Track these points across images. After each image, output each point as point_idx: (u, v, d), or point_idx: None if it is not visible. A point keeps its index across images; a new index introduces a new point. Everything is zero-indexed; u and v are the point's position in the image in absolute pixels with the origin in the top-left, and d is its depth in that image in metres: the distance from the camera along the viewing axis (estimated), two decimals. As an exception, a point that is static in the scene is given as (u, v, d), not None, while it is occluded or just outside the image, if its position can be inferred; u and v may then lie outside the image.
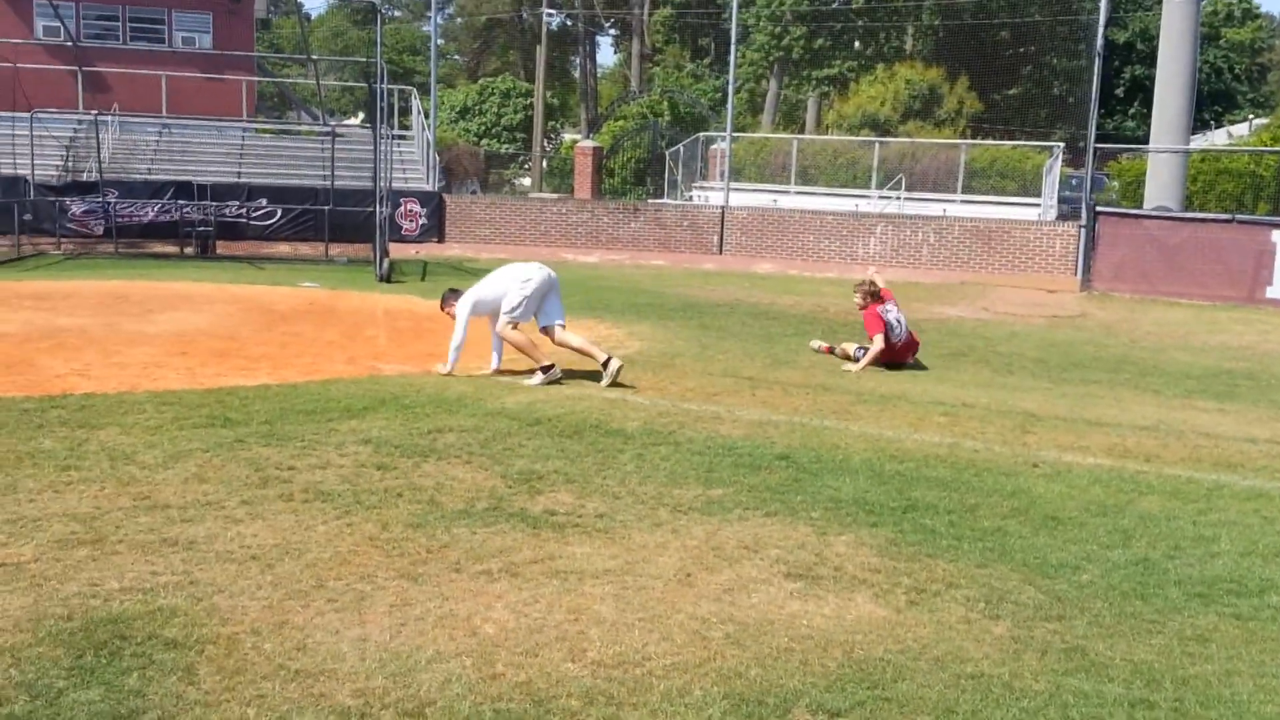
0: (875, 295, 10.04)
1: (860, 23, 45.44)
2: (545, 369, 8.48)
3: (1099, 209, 18.65)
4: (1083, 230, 18.93)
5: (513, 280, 8.69)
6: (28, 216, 19.31)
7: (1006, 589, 4.45)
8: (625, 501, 5.48)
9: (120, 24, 28.50)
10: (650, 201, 26.04)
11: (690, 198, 26.97)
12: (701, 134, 29.00)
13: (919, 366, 9.94)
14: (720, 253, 21.87)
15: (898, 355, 9.83)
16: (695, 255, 21.77)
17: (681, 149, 27.93)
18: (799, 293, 16.40)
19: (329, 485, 5.51)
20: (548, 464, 6.12)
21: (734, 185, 23.76)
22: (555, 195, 31.08)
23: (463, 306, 8.64)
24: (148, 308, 11.64)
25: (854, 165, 25.52)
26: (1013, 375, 9.87)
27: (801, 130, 40.57)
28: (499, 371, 8.77)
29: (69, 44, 24.32)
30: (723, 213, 22.16)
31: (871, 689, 3.52)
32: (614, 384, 8.35)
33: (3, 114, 20.55)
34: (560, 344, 8.83)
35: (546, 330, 8.86)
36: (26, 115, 19.78)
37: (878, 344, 9.67)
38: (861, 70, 43.50)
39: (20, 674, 3.34)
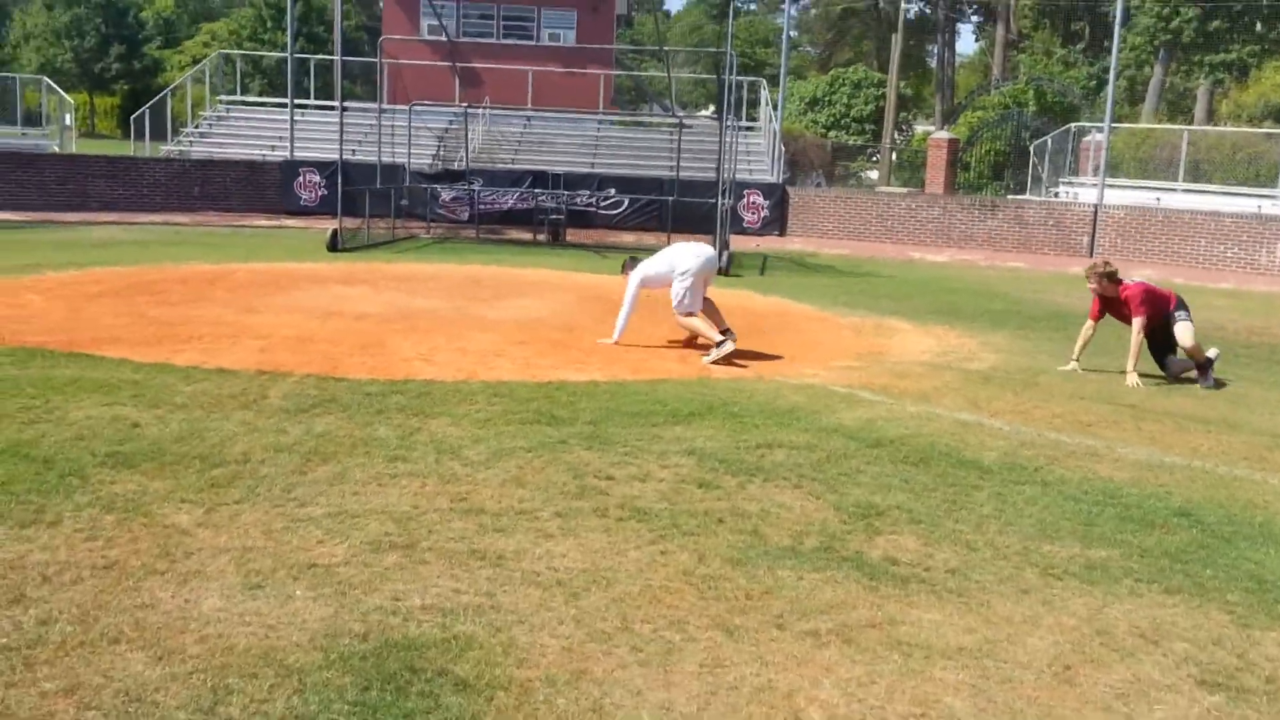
0: (1113, 278, 8.86)
1: (1264, 1, 40.25)
2: (720, 344, 8.67)
3: None
4: None
5: (674, 269, 8.94)
6: (404, 201, 20.74)
7: None
8: (983, 555, 4.65)
9: (495, 22, 30.19)
10: (1010, 198, 24.19)
11: (1056, 194, 24.82)
12: (1073, 124, 26.61)
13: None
14: (1090, 255, 19.86)
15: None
16: (1060, 257, 19.91)
17: (1049, 141, 25.77)
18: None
19: (646, 501, 5.07)
20: (888, 497, 5.38)
21: (1110, 181, 21.52)
22: (904, 189, 29.74)
23: (632, 281, 9.07)
24: (497, 293, 11.91)
25: (1256, 161, 22.40)
26: None
27: (1190, 122, 36.50)
28: (617, 344, 8.98)
29: (445, 41, 25.95)
30: (1095, 211, 20.13)
31: None
32: (717, 361, 8.49)
33: (386, 106, 22.21)
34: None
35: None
36: (406, 108, 21.23)
37: (1137, 329, 8.69)
38: (1264, 55, 38.52)
39: (303, 704, 3.08)
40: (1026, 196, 25.18)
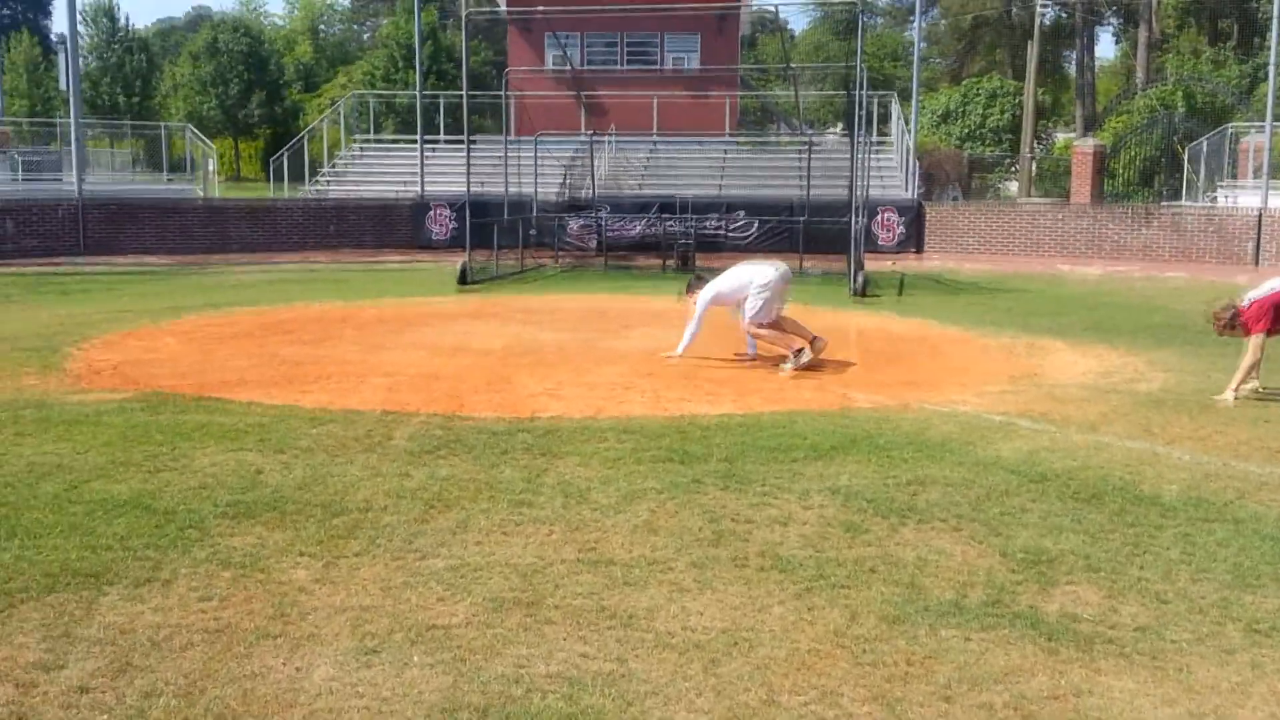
0: (1233, 324, 8.06)
1: None
2: (797, 352, 8.82)
3: None
4: None
5: (751, 284, 8.91)
6: (532, 232, 20.78)
7: None
8: (1175, 609, 4.08)
9: (618, 49, 30.25)
10: (1165, 205, 22.86)
11: (1214, 199, 23.37)
12: (1229, 125, 25.07)
13: None
14: (1257, 264, 18.57)
15: None
16: (1224, 267, 18.65)
17: (1205, 144, 24.31)
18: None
19: (789, 549, 4.65)
20: (1060, 541, 4.83)
21: (1273, 184, 20.09)
22: (1047, 201, 28.49)
23: (703, 298, 9.06)
24: (624, 323, 11.65)
25: None
26: None
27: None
28: (680, 357, 9.05)
29: (569, 71, 26.05)
30: (1260, 216, 18.78)
31: None
32: (800, 368, 8.62)
33: (513, 139, 22.36)
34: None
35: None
36: (531, 139, 21.31)
37: (1255, 345, 7.86)
38: None
39: (414, 795, 2.78)
40: (1182, 203, 23.78)
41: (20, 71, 54.05)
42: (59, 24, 72.64)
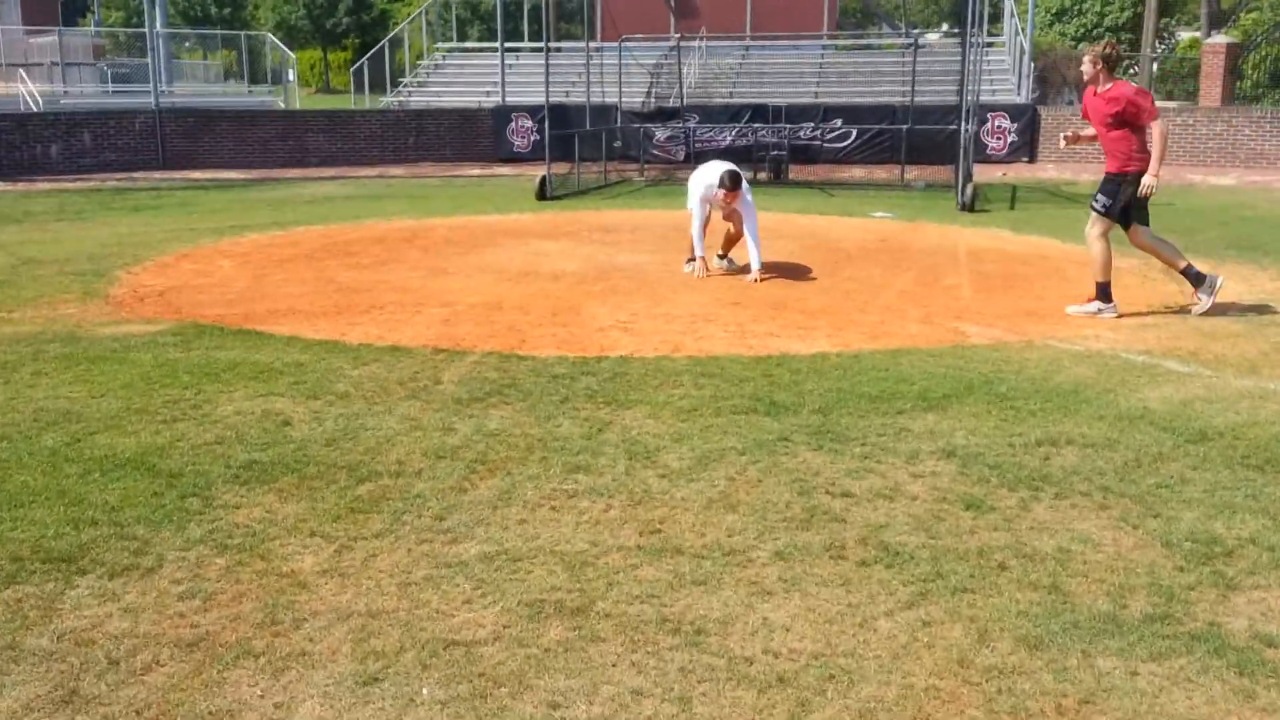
0: (1114, 68, 7.31)
1: None
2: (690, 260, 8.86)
3: None
4: None
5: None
6: (617, 144, 19.80)
7: None
8: (1406, 633, 3.16)
9: (710, -54, 28.63)
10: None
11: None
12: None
13: None
14: None
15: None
16: (1376, 176, 16.86)
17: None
18: None
19: (897, 534, 3.82)
20: (1235, 524, 3.92)
21: None
22: (1174, 104, 26.40)
23: (692, 195, 8.71)
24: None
25: None
26: None
27: None
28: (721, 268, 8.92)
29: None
30: None
31: None
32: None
33: (596, 44, 21.25)
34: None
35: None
36: (615, 45, 20.19)
37: (1160, 130, 7.04)
38: None
39: None
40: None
41: (116, -18, 54.17)
42: (151, -65, 72.56)
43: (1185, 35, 45.33)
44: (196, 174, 18.34)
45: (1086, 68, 7.37)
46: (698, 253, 8.74)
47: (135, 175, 17.82)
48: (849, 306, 7.70)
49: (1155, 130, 7.10)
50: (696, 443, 4.76)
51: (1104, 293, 7.42)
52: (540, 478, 4.31)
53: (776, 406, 5.29)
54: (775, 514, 3.99)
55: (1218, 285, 7.39)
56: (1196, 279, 7.44)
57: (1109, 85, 7.25)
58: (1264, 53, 28.97)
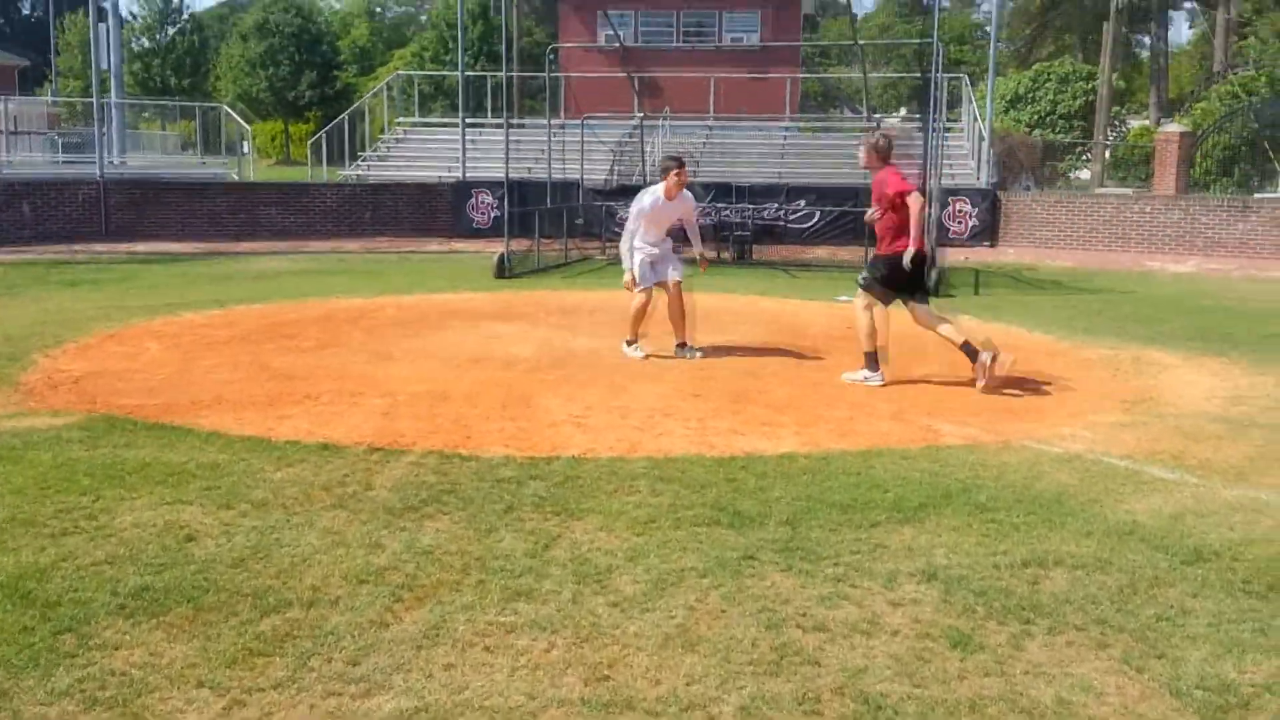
0: (887, 157, 7.71)
1: None
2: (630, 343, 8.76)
3: None
4: None
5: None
6: (579, 221, 19.51)
7: None
8: None
9: (674, 28, 28.87)
10: (1265, 196, 20.96)
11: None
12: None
13: None
14: (1373, 262, 16.78)
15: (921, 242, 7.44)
16: (1334, 265, 16.89)
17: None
18: None
19: (878, 680, 3.36)
20: (1246, 664, 3.52)
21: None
22: (1130, 190, 26.67)
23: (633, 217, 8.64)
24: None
25: None
26: None
27: None
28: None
29: (617, 47, 24.73)
30: (1376, 209, 17.01)
31: None
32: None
33: (559, 121, 21.10)
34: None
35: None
36: (578, 122, 20.02)
37: (916, 204, 7.31)
38: None
39: None
40: (1278, 194, 21.85)
41: (76, 52, 53.90)
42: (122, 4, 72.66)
43: (1136, 123, 46.29)
44: (141, 247, 17.78)
45: (860, 156, 7.90)
46: (625, 265, 8.67)
47: (76, 248, 17.21)
48: (816, 400, 7.30)
49: (912, 205, 7.35)
50: (653, 561, 4.29)
51: (870, 361, 7.79)
52: (475, 607, 3.82)
53: (741, 517, 4.84)
54: (740, 655, 3.52)
55: (989, 361, 7.54)
56: (971, 354, 7.63)
57: (881, 171, 7.67)
58: (1214, 141, 29.50)
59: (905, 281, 7.68)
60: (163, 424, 6.18)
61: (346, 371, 7.78)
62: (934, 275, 13.46)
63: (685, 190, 8.83)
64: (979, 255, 18.75)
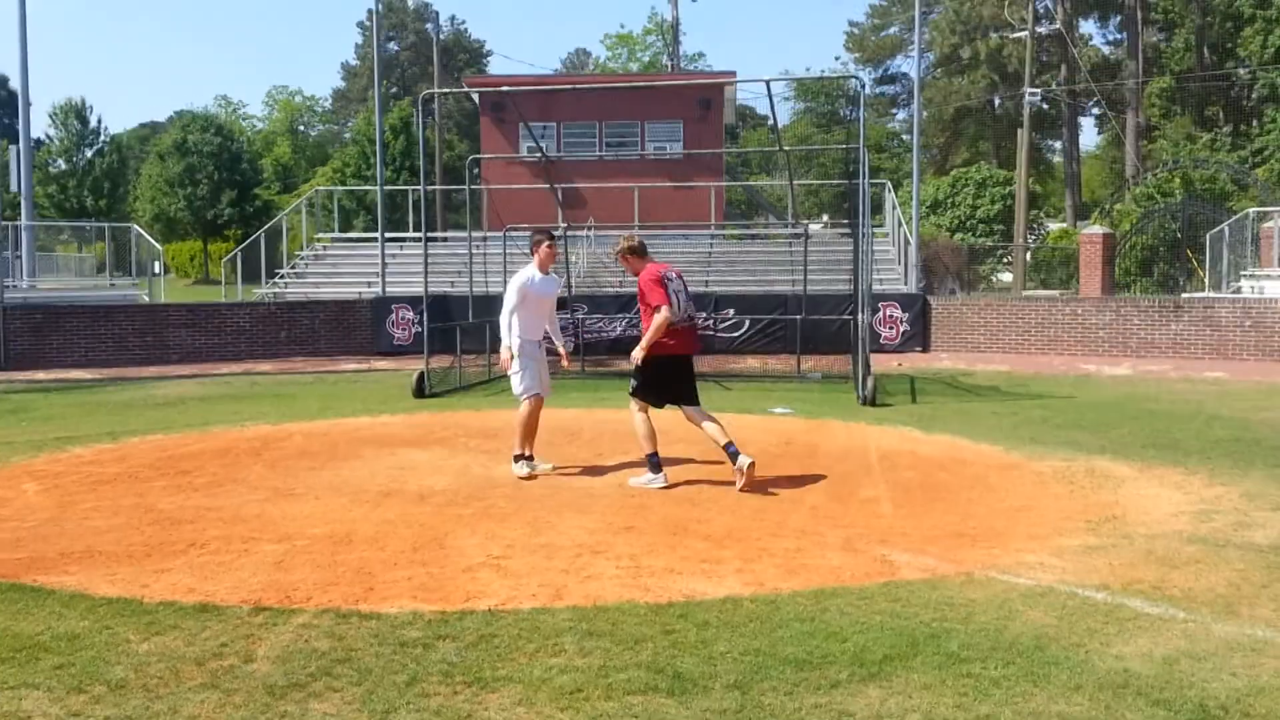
0: (643, 254, 7.96)
1: None
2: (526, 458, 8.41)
3: None
4: None
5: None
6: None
7: None
8: None
9: (597, 139, 28.92)
10: (1195, 296, 21.17)
11: (1239, 289, 21.80)
12: (1251, 210, 23.64)
13: None
14: (1298, 361, 16.86)
15: (683, 344, 7.82)
16: (1264, 363, 16.95)
17: (1227, 230, 22.81)
18: None
19: None
20: None
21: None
22: (1058, 293, 26.97)
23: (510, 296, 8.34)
24: (598, 450, 9.75)
25: None
26: None
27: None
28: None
29: (540, 159, 24.58)
30: (1301, 307, 17.16)
31: None
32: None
33: (480, 233, 20.72)
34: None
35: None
36: (500, 234, 19.64)
37: (661, 318, 7.55)
38: None
39: None
40: (1207, 294, 22.13)
41: (-13, 174, 52.72)
42: (35, 127, 71.77)
43: (1054, 226, 47.54)
44: (41, 375, 16.80)
45: (618, 260, 8.18)
46: (504, 341, 8.29)
47: (-30, 376, 16.21)
48: (759, 529, 6.71)
49: (656, 317, 7.64)
50: (580, 749, 3.61)
51: (652, 463, 7.89)
52: (361, 827, 3.10)
53: (682, 681, 4.19)
54: None
55: (745, 466, 7.60)
56: (733, 456, 7.68)
57: (642, 273, 7.82)
58: (1134, 242, 30.19)
59: (670, 382, 7.85)
60: (20, 584, 5.38)
61: (240, 513, 7.01)
62: (870, 384, 13.11)
63: (552, 273, 8.67)
64: (912, 361, 18.55)
